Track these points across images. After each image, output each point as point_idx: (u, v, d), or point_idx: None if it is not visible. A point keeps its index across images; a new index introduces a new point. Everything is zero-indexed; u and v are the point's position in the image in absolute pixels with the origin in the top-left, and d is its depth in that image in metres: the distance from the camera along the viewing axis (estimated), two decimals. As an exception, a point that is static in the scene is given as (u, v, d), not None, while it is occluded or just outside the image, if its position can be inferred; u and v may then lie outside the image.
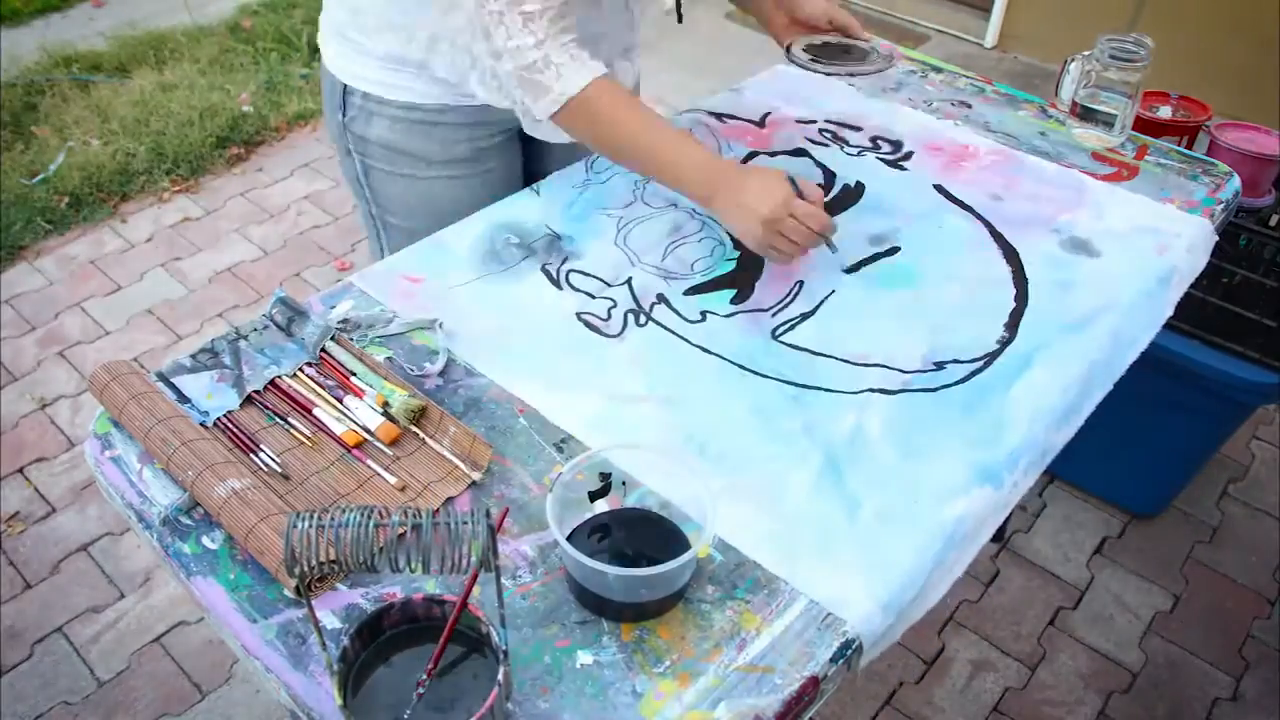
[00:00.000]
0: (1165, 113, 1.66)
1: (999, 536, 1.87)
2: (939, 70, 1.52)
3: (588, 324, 1.04)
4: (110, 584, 1.80)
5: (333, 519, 0.61)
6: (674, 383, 0.97)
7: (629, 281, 1.10)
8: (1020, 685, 1.65)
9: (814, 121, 1.39)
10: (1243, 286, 1.62)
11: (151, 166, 2.83)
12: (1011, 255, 1.15)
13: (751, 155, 1.31)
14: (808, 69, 1.34)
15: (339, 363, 0.97)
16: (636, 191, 1.24)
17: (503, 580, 0.78)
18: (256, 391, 0.93)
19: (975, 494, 0.88)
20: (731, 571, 0.80)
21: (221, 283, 2.51)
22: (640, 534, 0.81)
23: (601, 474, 0.81)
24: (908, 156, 1.32)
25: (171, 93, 3.07)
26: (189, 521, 0.83)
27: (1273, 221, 1.61)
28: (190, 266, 2.56)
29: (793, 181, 1.03)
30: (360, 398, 0.92)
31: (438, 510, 0.63)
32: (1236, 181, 1.31)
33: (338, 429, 0.90)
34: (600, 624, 0.76)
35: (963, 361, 1.01)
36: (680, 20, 1.36)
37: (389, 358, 0.99)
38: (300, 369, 0.96)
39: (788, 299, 1.08)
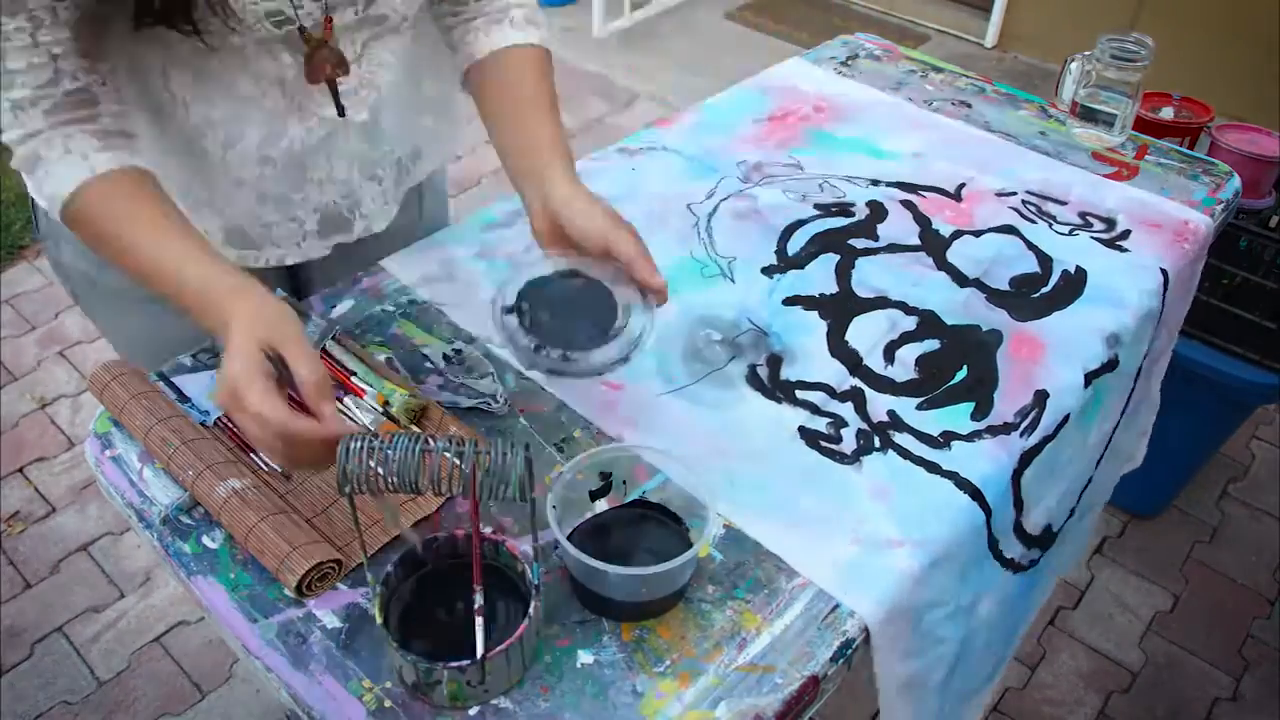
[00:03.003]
0: (1167, 114, 1.66)
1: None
2: (939, 70, 1.52)
3: (819, 448, 0.91)
4: (110, 584, 1.80)
5: (383, 442, 0.65)
6: (929, 523, 0.84)
7: (855, 395, 0.96)
8: (1020, 685, 1.65)
9: (1014, 193, 1.24)
10: (1243, 288, 1.62)
11: (151, 166, 2.82)
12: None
13: (957, 234, 1.16)
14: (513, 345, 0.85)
15: (339, 362, 0.96)
16: (841, 276, 1.10)
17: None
18: (257, 391, 0.93)
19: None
20: (732, 571, 0.80)
21: (221, 282, 2.51)
22: (641, 533, 0.81)
23: (602, 473, 0.81)
24: (1125, 235, 1.18)
25: (171, 92, 3.07)
26: (189, 521, 0.83)
27: (1273, 223, 1.61)
28: (190, 266, 2.56)
29: (276, 359, 0.69)
30: (360, 397, 0.92)
31: (480, 440, 0.66)
32: (1237, 181, 1.31)
33: (338, 428, 0.90)
34: (600, 623, 0.76)
35: None
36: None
37: (389, 358, 0.99)
38: (300, 368, 0.96)
39: (1034, 412, 0.95)
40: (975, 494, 0.87)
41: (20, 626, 1.73)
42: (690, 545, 0.76)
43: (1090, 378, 1.00)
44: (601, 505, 0.82)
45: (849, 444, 0.91)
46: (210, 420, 0.90)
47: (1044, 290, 1.09)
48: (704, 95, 1.44)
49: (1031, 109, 1.43)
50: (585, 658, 0.73)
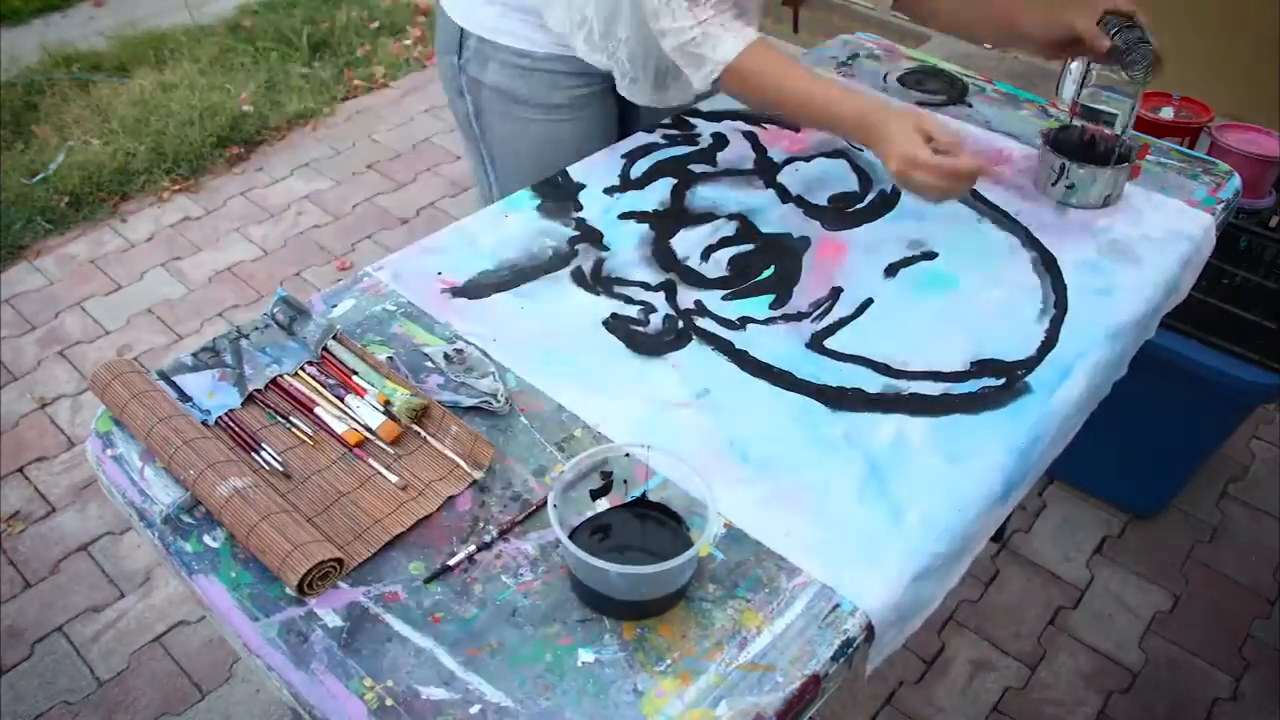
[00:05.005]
0: (1167, 114, 1.66)
1: (999, 536, 1.87)
2: (939, 70, 1.52)
3: (627, 331, 1.03)
4: (110, 583, 1.80)
5: None
6: (715, 389, 0.96)
7: (668, 286, 1.09)
8: (1020, 685, 1.65)
9: None
10: (1243, 288, 1.62)
11: (151, 166, 2.82)
12: (1050, 262, 1.13)
13: (789, 161, 1.30)
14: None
15: (340, 361, 0.97)
16: (676, 196, 1.23)
17: (504, 579, 0.79)
18: (258, 390, 0.93)
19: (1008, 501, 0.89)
20: (733, 570, 0.80)
21: (221, 282, 2.51)
22: (642, 532, 0.81)
23: (602, 473, 0.81)
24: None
25: (171, 92, 3.07)
26: (190, 520, 0.83)
27: (1273, 223, 1.61)
28: (190, 266, 2.56)
29: (927, 130, 1.02)
30: (362, 396, 0.93)
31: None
32: (1237, 181, 1.31)
33: (339, 428, 0.90)
34: (602, 622, 0.76)
35: (1004, 366, 0.99)
36: (796, 30, 1.41)
37: (390, 357, 0.99)
38: (302, 368, 0.96)
39: (826, 304, 1.07)
40: (761, 369, 0.99)
41: (20, 626, 1.73)
42: (691, 544, 0.76)
43: (894, 270, 1.12)
44: (602, 505, 0.82)
45: (655, 328, 1.03)
46: (211, 419, 0.90)
47: (859, 206, 1.22)
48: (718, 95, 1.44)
49: (1031, 109, 1.43)
50: (586, 656, 0.73)
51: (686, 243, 1.15)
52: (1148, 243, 1.17)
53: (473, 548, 0.80)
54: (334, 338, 0.99)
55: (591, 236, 1.16)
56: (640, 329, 1.03)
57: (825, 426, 0.93)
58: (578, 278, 1.10)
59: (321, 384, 0.95)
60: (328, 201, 2.79)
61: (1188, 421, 1.73)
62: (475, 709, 0.70)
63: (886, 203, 1.23)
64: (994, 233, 1.18)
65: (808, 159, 1.30)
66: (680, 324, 1.04)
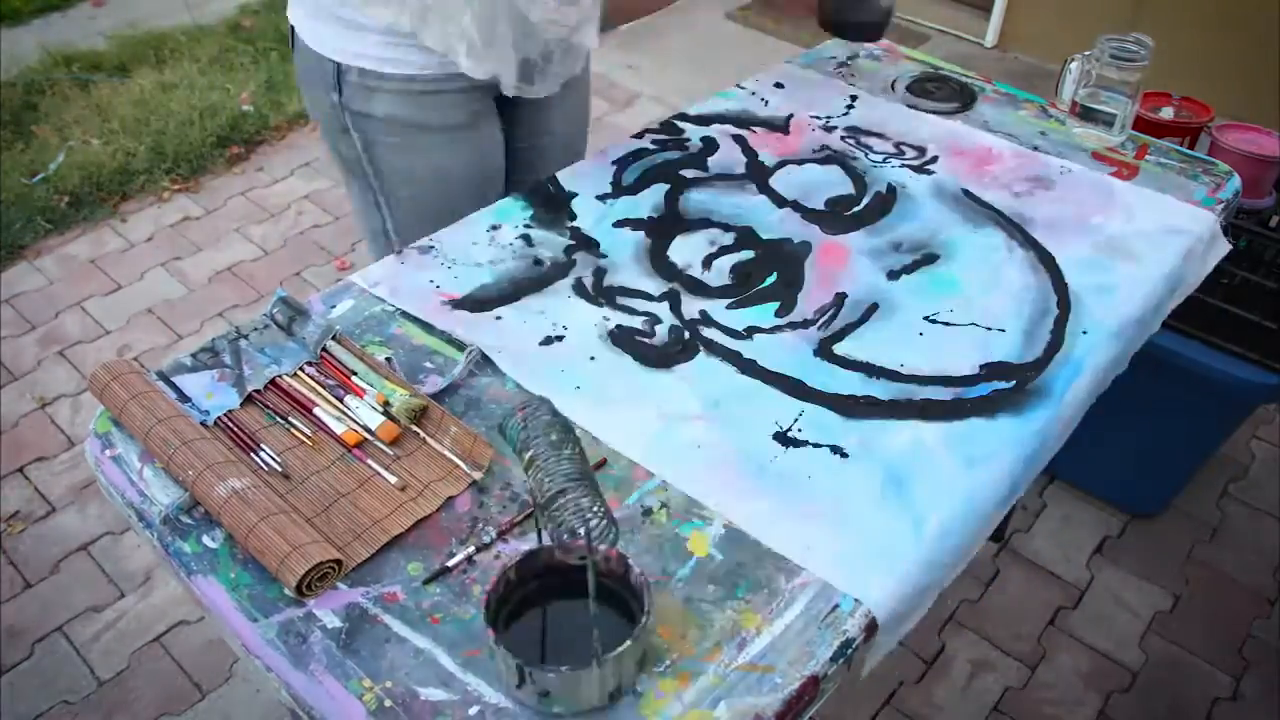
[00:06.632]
0: (1167, 114, 1.66)
1: (999, 536, 1.87)
2: (939, 70, 1.52)
3: (633, 343, 1.02)
4: (110, 583, 1.80)
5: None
6: (725, 401, 0.95)
7: (672, 297, 1.08)
8: (1020, 685, 1.65)
9: (835, 128, 1.38)
10: (1243, 287, 1.62)
11: (151, 166, 2.83)
12: (1049, 261, 1.13)
13: (781, 164, 1.30)
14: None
15: (339, 362, 0.97)
16: (670, 202, 1.22)
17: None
18: (257, 391, 0.93)
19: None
20: (732, 571, 0.80)
21: (221, 282, 2.51)
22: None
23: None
24: (933, 161, 1.31)
25: (171, 92, 3.07)
26: (189, 520, 0.83)
27: (1273, 223, 1.61)
28: (190, 266, 2.56)
29: None
30: (361, 397, 0.92)
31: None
32: (1237, 181, 1.31)
33: (338, 428, 0.90)
34: (600, 623, 0.76)
35: (1013, 369, 0.99)
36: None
37: (389, 357, 0.99)
38: (301, 368, 0.96)
39: (832, 310, 1.06)
40: (772, 378, 0.98)
41: (20, 626, 1.73)
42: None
43: (897, 275, 1.12)
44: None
45: (661, 339, 1.02)
46: (210, 420, 0.90)
47: (856, 209, 1.23)
48: (705, 95, 1.44)
49: (1031, 109, 1.43)
50: (585, 657, 0.73)
51: (685, 251, 1.14)
52: (1143, 238, 1.17)
53: (471, 549, 0.80)
54: (333, 338, 0.99)
55: (587, 245, 1.15)
56: (646, 340, 1.02)
57: (840, 435, 0.91)
58: (579, 289, 1.08)
59: (320, 384, 0.95)
60: (328, 201, 2.80)
61: (1188, 421, 1.73)
62: (474, 710, 0.70)
63: (884, 205, 1.22)
64: (993, 234, 1.18)
65: (799, 162, 1.30)
66: (687, 335, 1.03)
